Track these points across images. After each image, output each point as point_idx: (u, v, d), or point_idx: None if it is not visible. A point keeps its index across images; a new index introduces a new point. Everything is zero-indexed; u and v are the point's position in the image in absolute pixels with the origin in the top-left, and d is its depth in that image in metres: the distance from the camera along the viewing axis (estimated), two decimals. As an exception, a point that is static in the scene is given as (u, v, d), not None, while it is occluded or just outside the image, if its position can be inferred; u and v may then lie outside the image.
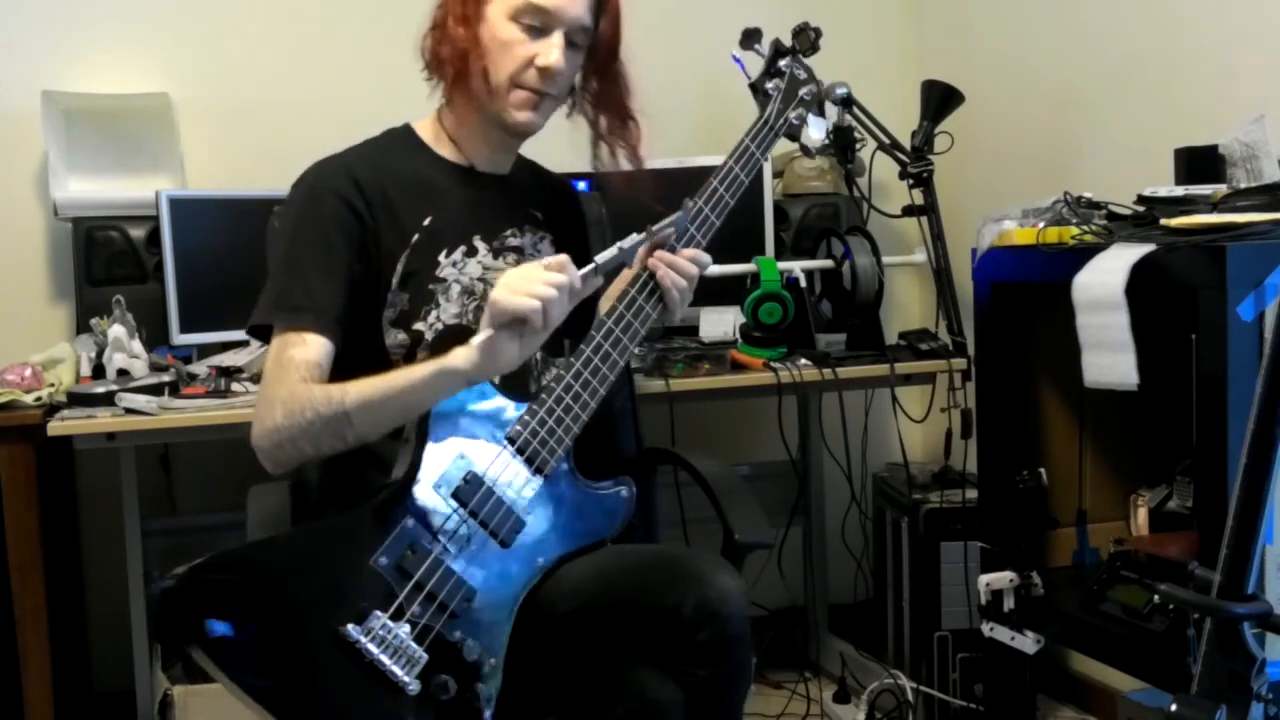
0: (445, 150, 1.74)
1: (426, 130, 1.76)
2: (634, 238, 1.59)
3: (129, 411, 2.24)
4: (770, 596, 3.08)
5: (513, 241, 1.75)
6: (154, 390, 2.30)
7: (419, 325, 1.65)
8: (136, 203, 2.62)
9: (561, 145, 1.82)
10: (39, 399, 2.35)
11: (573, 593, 1.56)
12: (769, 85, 1.92)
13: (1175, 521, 2.19)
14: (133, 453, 2.54)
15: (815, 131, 1.97)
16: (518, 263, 1.72)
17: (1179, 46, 2.45)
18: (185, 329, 2.57)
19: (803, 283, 2.70)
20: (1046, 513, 2.29)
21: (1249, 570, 1.24)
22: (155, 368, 2.43)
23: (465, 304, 1.67)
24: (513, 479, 1.54)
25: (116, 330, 2.40)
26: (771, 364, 2.55)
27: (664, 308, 1.66)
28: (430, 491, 1.49)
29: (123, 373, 2.39)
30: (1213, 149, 2.08)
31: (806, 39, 2.12)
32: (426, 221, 1.67)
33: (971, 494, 2.58)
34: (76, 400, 2.28)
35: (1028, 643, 2.12)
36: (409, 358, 1.63)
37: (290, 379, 1.53)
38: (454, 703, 1.42)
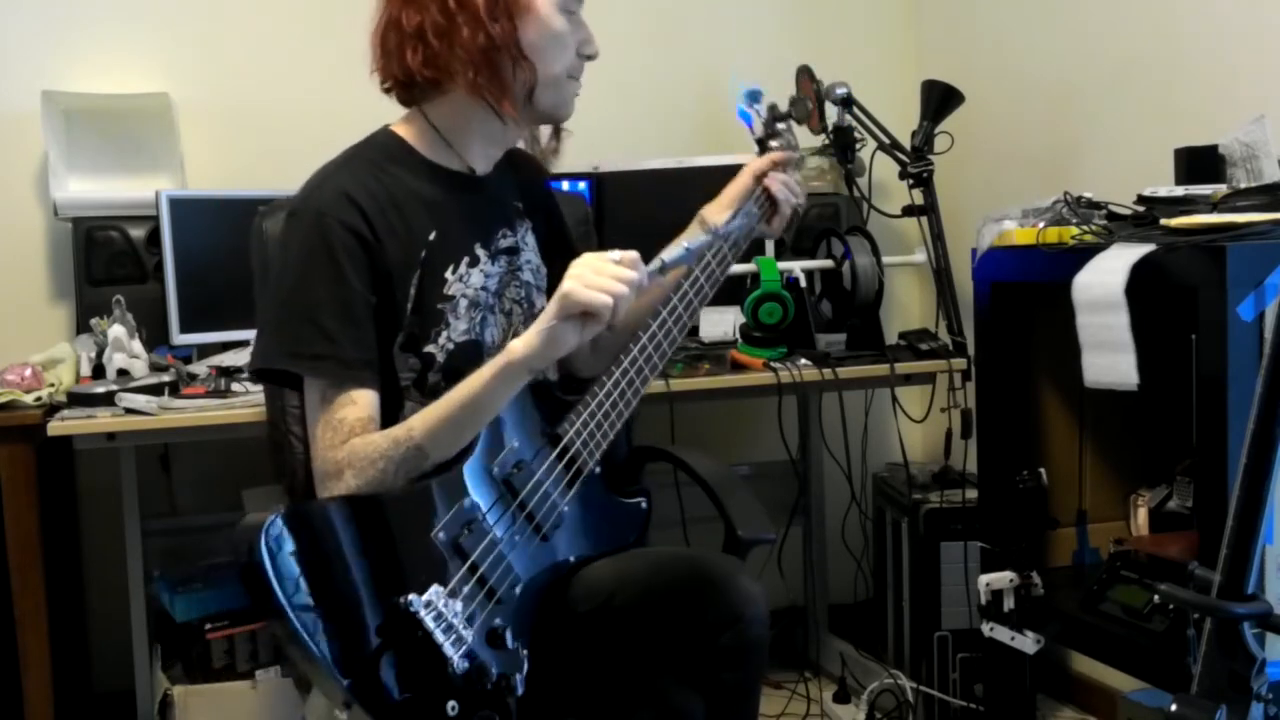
0: (440, 156, 1.64)
1: (413, 135, 1.65)
2: (701, 238, 1.62)
3: (129, 411, 2.24)
4: (770, 596, 3.06)
5: (505, 243, 1.69)
6: (154, 390, 2.30)
7: (429, 348, 1.58)
8: (136, 203, 2.61)
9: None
10: (39, 399, 2.35)
11: (593, 593, 1.56)
12: (773, 145, 1.96)
13: (1175, 521, 2.19)
14: (133, 453, 2.54)
15: None
16: (510, 264, 1.69)
17: (1179, 46, 2.45)
18: (185, 329, 2.57)
19: (803, 283, 2.70)
20: (1046, 513, 2.28)
21: (1249, 570, 1.24)
22: (155, 368, 2.43)
23: (473, 318, 1.61)
24: (555, 474, 1.55)
25: (116, 330, 2.40)
26: (771, 364, 2.55)
27: (775, 212, 1.81)
28: (486, 475, 1.50)
29: (123, 373, 2.38)
30: (1213, 149, 2.08)
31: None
32: (431, 237, 1.58)
33: (971, 494, 2.58)
34: (76, 400, 2.28)
35: (1028, 643, 2.12)
36: (419, 383, 1.58)
37: (347, 438, 1.49)
38: (491, 691, 1.40)
